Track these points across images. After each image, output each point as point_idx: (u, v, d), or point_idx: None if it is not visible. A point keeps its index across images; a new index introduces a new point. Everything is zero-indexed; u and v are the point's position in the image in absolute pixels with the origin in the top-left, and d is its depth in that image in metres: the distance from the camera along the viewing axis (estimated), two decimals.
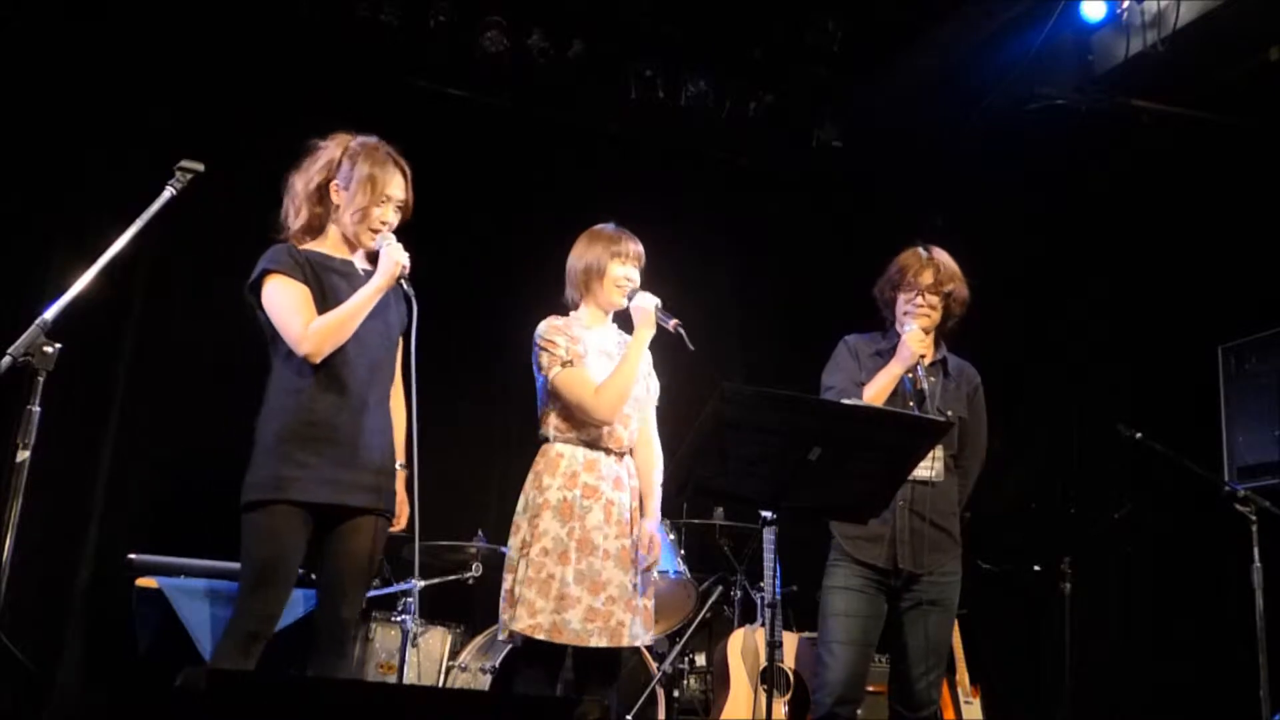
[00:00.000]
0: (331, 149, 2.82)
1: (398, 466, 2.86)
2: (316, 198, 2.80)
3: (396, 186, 2.81)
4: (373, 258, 2.83)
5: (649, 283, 3.12)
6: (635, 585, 2.92)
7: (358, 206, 2.77)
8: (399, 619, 3.85)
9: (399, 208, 2.83)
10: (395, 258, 2.71)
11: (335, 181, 2.79)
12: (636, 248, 3.08)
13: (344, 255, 2.83)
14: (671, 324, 2.95)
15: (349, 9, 4.71)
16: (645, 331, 2.97)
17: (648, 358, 3.11)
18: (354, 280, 2.78)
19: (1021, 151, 5.05)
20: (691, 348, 2.93)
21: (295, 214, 2.82)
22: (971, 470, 3.31)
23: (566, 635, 2.79)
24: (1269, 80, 4.27)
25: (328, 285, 2.73)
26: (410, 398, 2.73)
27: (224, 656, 2.57)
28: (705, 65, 5.26)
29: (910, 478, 3.04)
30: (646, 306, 2.97)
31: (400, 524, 2.89)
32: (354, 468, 2.66)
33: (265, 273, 2.70)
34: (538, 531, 2.88)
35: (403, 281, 2.74)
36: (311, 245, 2.81)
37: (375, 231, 2.78)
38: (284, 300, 2.68)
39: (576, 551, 2.84)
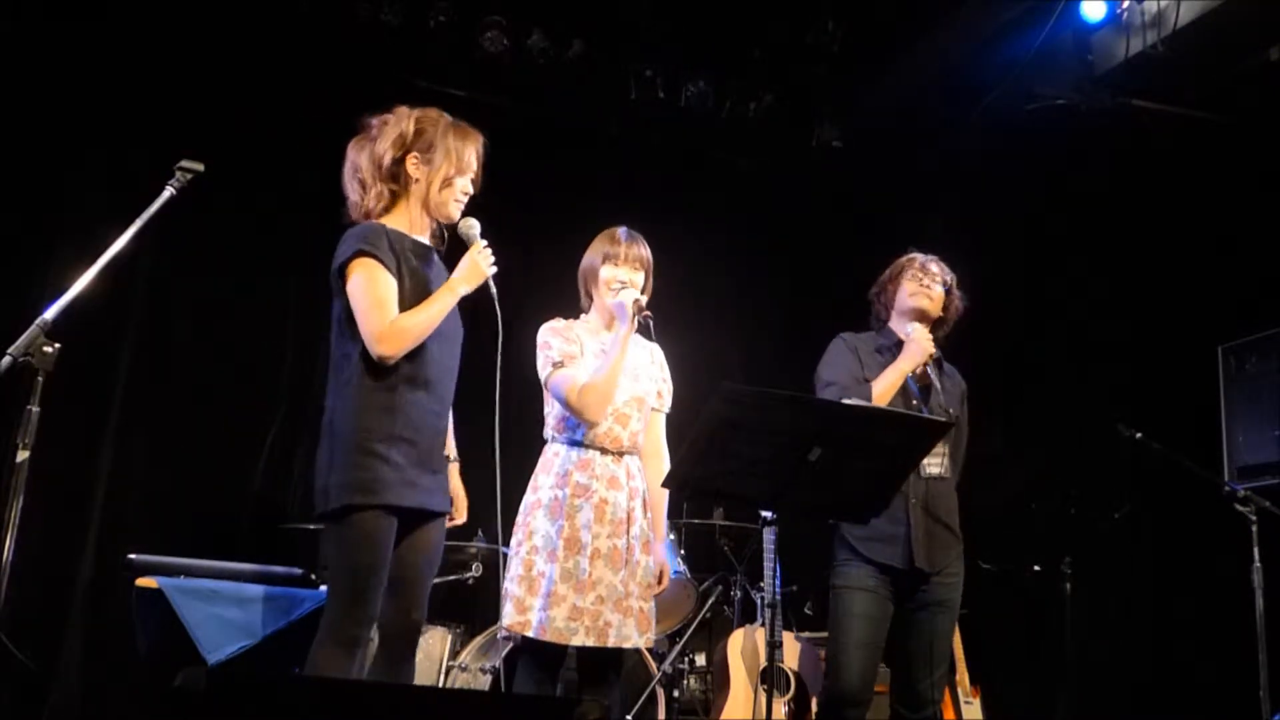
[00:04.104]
0: (398, 122, 2.69)
1: (452, 460, 2.87)
2: (392, 174, 2.68)
3: (474, 159, 2.75)
4: (437, 237, 2.80)
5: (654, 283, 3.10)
6: (630, 586, 2.90)
7: (444, 176, 2.68)
8: None
9: (473, 179, 2.78)
10: (484, 269, 2.65)
11: (413, 155, 2.68)
12: (636, 250, 3.02)
13: (417, 235, 2.74)
14: (642, 315, 2.91)
15: (349, 9, 4.72)
16: (622, 327, 2.92)
17: (655, 360, 3.11)
18: (432, 266, 2.72)
19: (1021, 151, 5.04)
20: (653, 341, 3.00)
21: (366, 191, 2.68)
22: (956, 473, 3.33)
23: (550, 633, 2.79)
24: (1269, 80, 4.27)
25: (414, 270, 2.63)
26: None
27: (327, 664, 2.47)
28: (705, 65, 5.26)
29: (922, 474, 3.05)
30: (625, 301, 2.93)
31: (460, 517, 2.89)
32: (431, 469, 2.63)
33: (358, 253, 2.55)
34: (529, 530, 2.91)
35: (491, 285, 2.68)
36: (394, 225, 2.69)
37: (458, 201, 2.72)
38: (372, 290, 2.53)
39: (564, 550, 2.84)
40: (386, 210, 2.70)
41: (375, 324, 2.52)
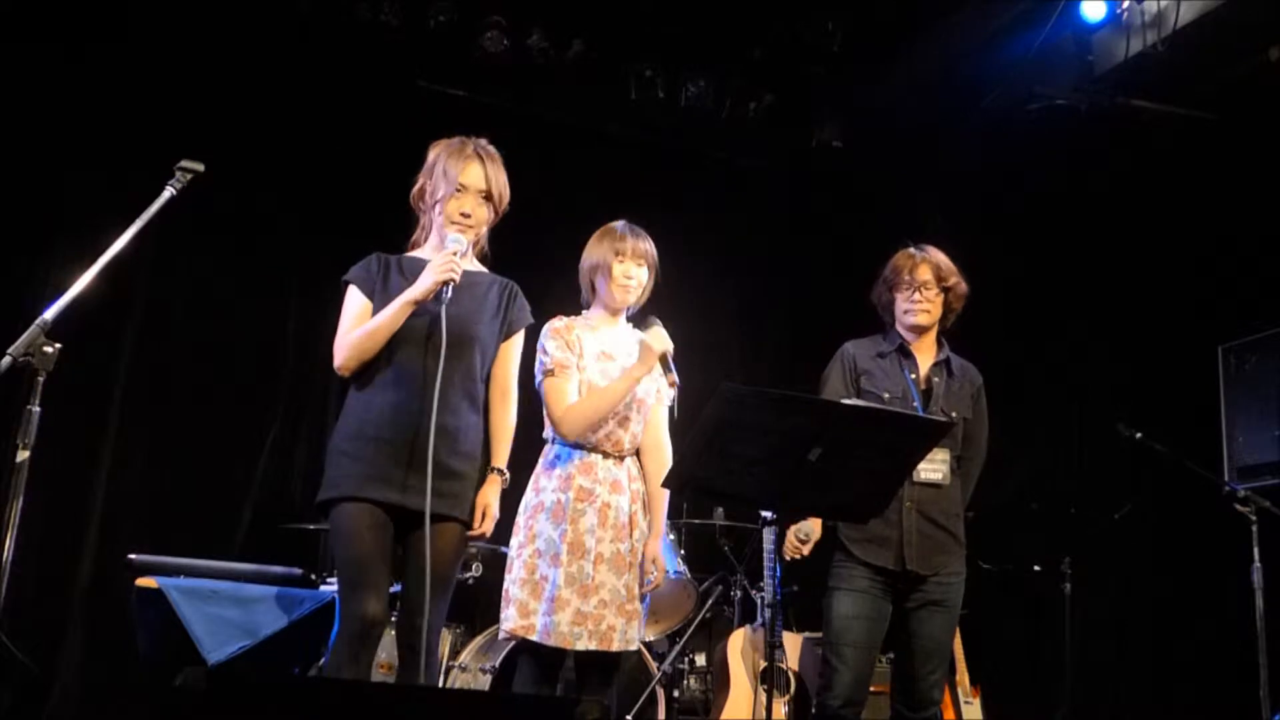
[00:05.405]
0: (430, 156, 2.84)
1: (494, 471, 2.80)
2: (420, 206, 2.86)
3: (472, 175, 2.76)
4: (482, 257, 2.90)
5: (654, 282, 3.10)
6: (632, 589, 2.89)
7: (435, 199, 2.77)
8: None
9: (484, 197, 2.78)
10: (435, 276, 2.63)
11: (427, 185, 2.81)
12: (642, 245, 3.01)
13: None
14: (669, 378, 2.88)
15: (349, 9, 4.72)
16: (641, 369, 2.90)
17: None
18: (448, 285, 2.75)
19: (1021, 151, 5.05)
20: (674, 415, 3.03)
21: (417, 226, 2.90)
22: (973, 471, 3.33)
23: (555, 637, 2.78)
24: (1269, 80, 4.27)
25: (395, 289, 2.72)
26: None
27: (335, 666, 2.56)
28: (705, 65, 5.26)
29: (917, 479, 3.06)
30: (655, 347, 2.88)
31: (482, 530, 2.77)
32: (415, 470, 2.60)
33: (344, 282, 2.80)
34: (532, 533, 2.89)
35: (444, 293, 2.64)
36: (416, 252, 2.85)
37: (455, 224, 2.75)
38: (345, 310, 2.77)
39: (568, 554, 2.83)
40: (426, 239, 2.88)
41: (336, 340, 2.74)
